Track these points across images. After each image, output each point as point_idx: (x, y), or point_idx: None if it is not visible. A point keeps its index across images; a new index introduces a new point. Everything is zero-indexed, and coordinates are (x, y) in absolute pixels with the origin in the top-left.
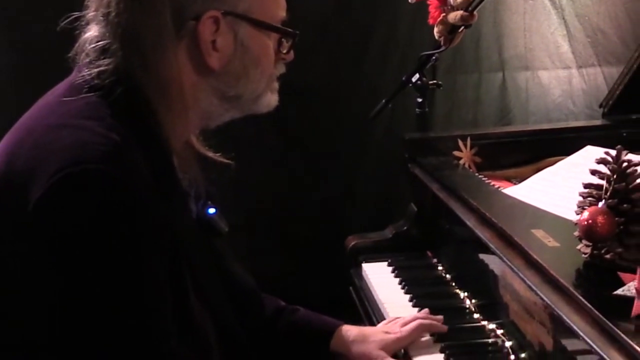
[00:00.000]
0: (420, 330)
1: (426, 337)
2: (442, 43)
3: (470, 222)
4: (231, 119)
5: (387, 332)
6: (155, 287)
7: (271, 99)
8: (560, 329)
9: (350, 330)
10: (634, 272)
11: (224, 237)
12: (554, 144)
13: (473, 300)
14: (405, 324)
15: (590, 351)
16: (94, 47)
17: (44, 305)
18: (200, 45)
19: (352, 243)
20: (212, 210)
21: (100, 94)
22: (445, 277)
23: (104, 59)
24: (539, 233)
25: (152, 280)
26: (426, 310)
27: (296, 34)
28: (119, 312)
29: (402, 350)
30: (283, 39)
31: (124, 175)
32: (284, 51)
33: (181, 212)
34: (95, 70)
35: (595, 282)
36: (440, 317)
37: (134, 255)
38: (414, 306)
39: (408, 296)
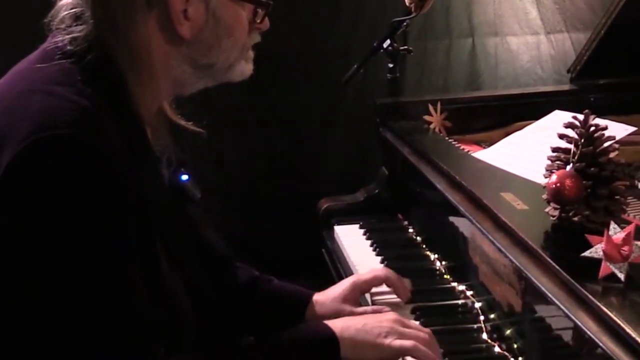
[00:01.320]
0: (380, 275)
1: (396, 299)
2: (412, 10)
3: (441, 185)
4: (205, 87)
5: (344, 283)
6: (127, 250)
7: (245, 68)
8: (529, 290)
9: (318, 296)
10: (601, 234)
11: (197, 204)
12: (523, 109)
13: (443, 262)
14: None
15: (558, 312)
16: (68, 13)
17: (18, 273)
18: (172, 14)
19: (325, 206)
20: (184, 177)
21: (72, 60)
22: (415, 239)
23: (76, 25)
24: (508, 196)
25: (123, 244)
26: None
27: (270, 3)
28: (89, 275)
29: (370, 304)
30: (258, 9)
31: (93, 140)
32: (259, 21)
33: (153, 178)
34: (68, 36)
35: (563, 244)
36: (406, 284)
37: (103, 218)
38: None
39: (379, 258)
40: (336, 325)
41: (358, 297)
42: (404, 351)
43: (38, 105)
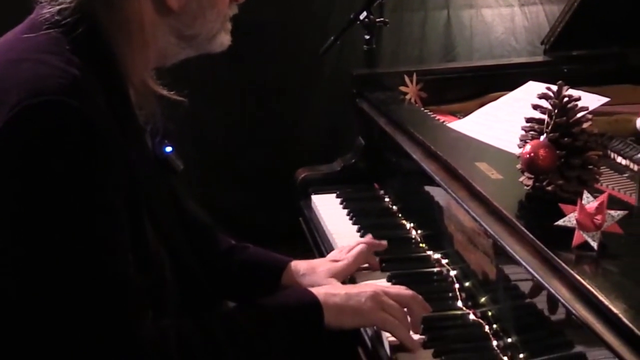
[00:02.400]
0: (364, 252)
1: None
2: None
3: (416, 155)
4: (186, 57)
5: (334, 261)
6: (114, 218)
7: (224, 39)
8: (503, 258)
9: (299, 264)
10: (574, 203)
11: (179, 175)
12: (497, 80)
13: (419, 231)
14: (350, 250)
15: (532, 280)
16: None
17: (5, 239)
18: None
19: (302, 175)
20: (168, 149)
21: (60, 30)
22: (391, 208)
23: None
24: (482, 166)
25: (110, 212)
26: (369, 235)
27: None
28: (76, 241)
29: (349, 278)
30: None
31: (82, 106)
32: None
33: (138, 147)
34: (57, 7)
35: (537, 213)
36: (384, 242)
37: (91, 184)
38: (361, 236)
39: (356, 227)
40: (320, 292)
41: (346, 276)
42: (386, 325)
43: (27, 73)
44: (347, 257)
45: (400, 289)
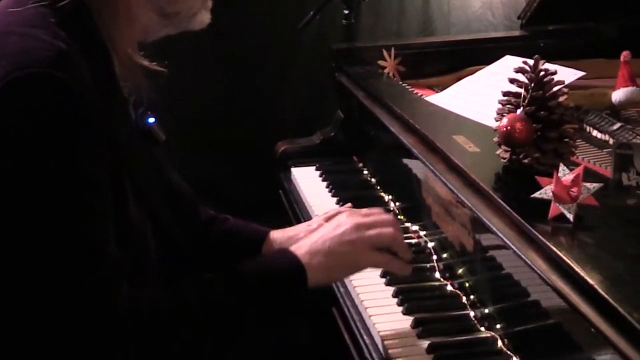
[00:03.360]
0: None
1: None
2: None
3: (394, 128)
4: (166, 34)
5: (309, 225)
6: (97, 190)
7: (204, 17)
8: (480, 230)
9: (275, 234)
10: (550, 176)
11: (162, 146)
12: (474, 54)
13: (397, 203)
14: (328, 218)
15: (508, 251)
16: None
17: None
18: None
19: (282, 148)
20: (151, 120)
21: (46, 4)
22: (370, 181)
23: None
24: (460, 139)
25: (94, 183)
26: (349, 204)
27: None
28: (58, 210)
29: None
30: None
31: (68, 79)
32: None
33: (122, 119)
34: None
35: (514, 185)
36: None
37: (75, 155)
38: None
39: (335, 199)
40: (302, 252)
41: None
42: (378, 265)
43: (14, 46)
44: (323, 224)
45: (378, 215)
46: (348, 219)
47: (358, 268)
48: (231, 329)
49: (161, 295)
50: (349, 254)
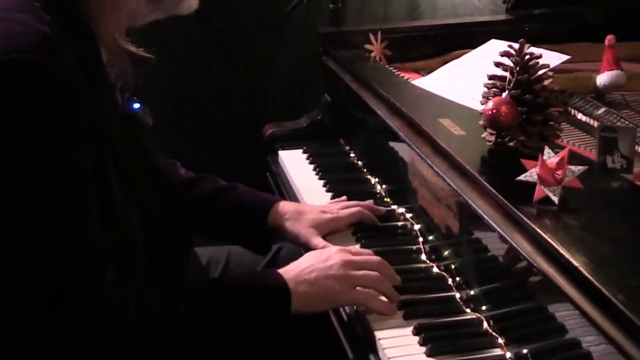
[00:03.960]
0: (358, 214)
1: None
2: None
3: (381, 111)
4: (154, 19)
5: (324, 212)
6: (81, 175)
7: (192, 2)
8: (466, 213)
9: (286, 206)
10: (535, 158)
11: (149, 131)
12: (460, 38)
13: (383, 186)
14: (346, 207)
15: (494, 234)
16: None
17: None
18: None
19: (269, 131)
20: (137, 105)
21: None
22: (357, 163)
23: None
24: (445, 122)
25: (78, 168)
26: (344, 197)
27: None
28: (41, 196)
29: None
30: None
31: (53, 64)
32: None
33: (108, 104)
34: None
35: (499, 168)
36: (383, 208)
37: (60, 141)
38: (327, 191)
39: (322, 182)
40: (290, 276)
41: (328, 230)
42: (359, 302)
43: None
44: (337, 212)
45: (367, 258)
46: (337, 254)
47: (338, 304)
48: (216, 338)
49: (149, 295)
50: (332, 289)
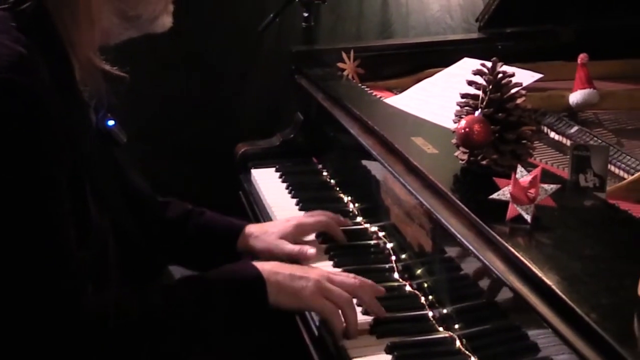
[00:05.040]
0: (323, 222)
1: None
2: None
3: (354, 130)
4: (128, 38)
5: (287, 221)
6: (56, 191)
7: (166, 21)
8: (439, 231)
9: (252, 227)
10: (508, 177)
11: (123, 148)
12: (433, 56)
13: (356, 204)
14: (310, 215)
15: (467, 252)
16: None
17: None
18: None
19: (242, 150)
20: (111, 122)
21: (5, 7)
22: (329, 182)
23: None
24: (418, 140)
25: (52, 184)
26: (338, 215)
27: None
28: (20, 214)
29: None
30: None
31: (29, 84)
32: None
33: (82, 122)
34: None
35: (472, 187)
36: (347, 220)
37: (36, 159)
38: (300, 209)
39: (294, 200)
40: (264, 268)
41: (296, 237)
42: (324, 312)
43: None
44: (301, 218)
45: (346, 277)
46: (318, 269)
47: (304, 305)
48: (195, 333)
49: (127, 300)
50: (303, 289)
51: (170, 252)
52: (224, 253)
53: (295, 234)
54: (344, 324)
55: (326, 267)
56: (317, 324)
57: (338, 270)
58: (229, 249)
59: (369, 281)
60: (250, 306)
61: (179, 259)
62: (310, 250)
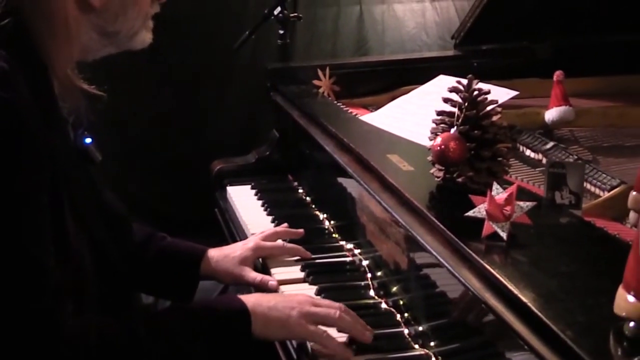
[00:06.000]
0: (276, 235)
1: (288, 257)
2: None
3: (329, 147)
4: (107, 54)
5: (245, 244)
6: (36, 208)
7: (146, 37)
8: (414, 248)
9: (212, 252)
10: (484, 194)
11: (98, 166)
12: (409, 74)
13: (332, 222)
14: (264, 236)
15: (442, 270)
16: None
17: None
18: None
19: (218, 167)
20: (88, 140)
21: None
22: (305, 199)
23: None
24: (394, 158)
25: (33, 201)
26: (285, 224)
27: None
28: (5, 230)
29: (260, 261)
30: None
31: (11, 99)
32: None
33: (61, 137)
34: None
35: (448, 204)
36: (300, 230)
37: (17, 174)
38: (276, 227)
39: (270, 217)
40: (249, 300)
41: (255, 261)
42: (314, 338)
43: None
44: (257, 239)
45: (331, 302)
46: (301, 295)
47: (294, 333)
48: None
49: (110, 327)
50: (290, 318)
51: (132, 277)
52: (185, 279)
53: (256, 256)
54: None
55: (303, 286)
56: (295, 346)
57: (314, 287)
58: (190, 274)
59: (351, 311)
60: (234, 339)
61: (141, 284)
62: (272, 282)
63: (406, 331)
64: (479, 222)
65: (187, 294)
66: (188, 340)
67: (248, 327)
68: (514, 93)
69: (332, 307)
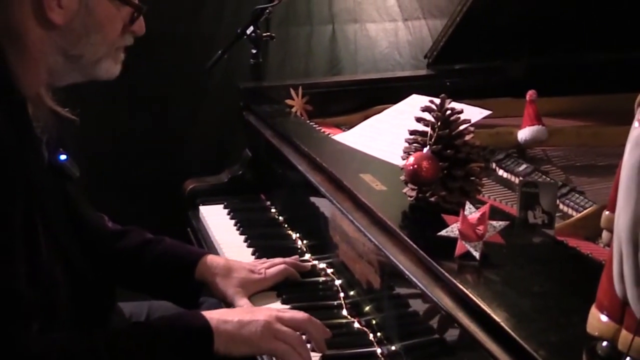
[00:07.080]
0: (284, 272)
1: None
2: None
3: (302, 166)
4: (74, 82)
5: (252, 271)
6: (10, 230)
7: (112, 67)
8: (387, 268)
9: (216, 261)
10: (457, 214)
11: (75, 182)
12: (381, 93)
13: (304, 241)
14: (272, 265)
15: (415, 289)
16: None
17: None
18: (44, 1)
19: (190, 186)
20: (63, 157)
21: None
22: (278, 219)
23: None
24: (367, 177)
25: (5, 224)
26: (296, 257)
27: (143, 8)
28: None
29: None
30: (135, 13)
31: None
32: (134, 26)
33: (34, 157)
34: None
35: (420, 223)
36: (308, 264)
37: None
38: (248, 246)
39: (243, 237)
40: (213, 317)
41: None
42: (278, 353)
43: None
44: (265, 272)
45: (295, 313)
46: (265, 309)
47: (259, 349)
48: None
49: (72, 344)
50: (255, 334)
51: (127, 281)
52: (180, 281)
53: (256, 288)
54: None
55: (275, 305)
56: (265, 357)
57: (287, 307)
58: (186, 279)
59: (316, 320)
60: (196, 356)
61: (136, 287)
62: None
63: (379, 350)
64: (452, 241)
65: (189, 297)
66: (148, 357)
67: (210, 345)
68: (487, 112)
69: (297, 320)
